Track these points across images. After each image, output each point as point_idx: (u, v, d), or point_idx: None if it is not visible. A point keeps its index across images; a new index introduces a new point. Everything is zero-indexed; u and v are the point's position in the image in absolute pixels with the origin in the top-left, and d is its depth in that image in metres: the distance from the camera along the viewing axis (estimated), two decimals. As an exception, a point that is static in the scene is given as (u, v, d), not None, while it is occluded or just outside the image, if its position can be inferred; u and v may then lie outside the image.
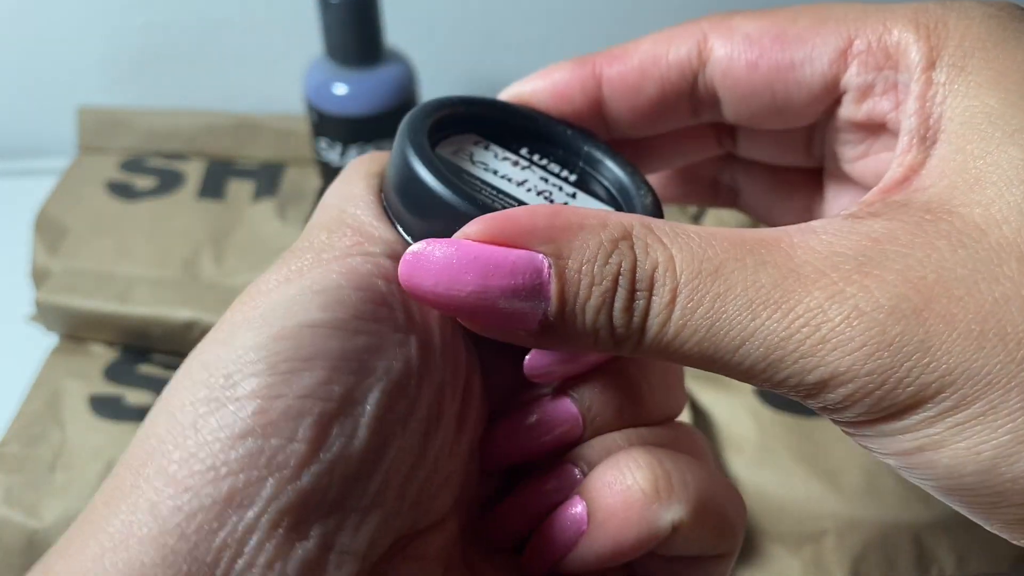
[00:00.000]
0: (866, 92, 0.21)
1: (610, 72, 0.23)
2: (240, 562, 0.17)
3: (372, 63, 0.53)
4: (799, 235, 0.18)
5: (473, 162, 0.23)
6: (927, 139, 0.19)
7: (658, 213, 0.23)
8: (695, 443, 0.23)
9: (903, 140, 0.20)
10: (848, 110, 0.22)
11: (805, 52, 0.21)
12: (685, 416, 0.46)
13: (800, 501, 0.44)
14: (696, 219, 0.60)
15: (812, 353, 0.16)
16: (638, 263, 0.18)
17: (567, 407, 0.22)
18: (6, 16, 0.67)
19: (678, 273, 0.17)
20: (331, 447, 0.18)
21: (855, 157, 0.24)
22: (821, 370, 0.16)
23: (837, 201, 0.26)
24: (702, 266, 0.17)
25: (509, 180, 0.23)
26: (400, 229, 0.21)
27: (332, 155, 0.55)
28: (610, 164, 0.24)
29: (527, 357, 0.22)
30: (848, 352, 0.16)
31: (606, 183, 0.24)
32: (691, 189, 0.29)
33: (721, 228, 0.18)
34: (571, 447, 0.22)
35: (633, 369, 0.22)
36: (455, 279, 0.18)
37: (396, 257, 0.20)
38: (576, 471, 0.21)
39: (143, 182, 0.61)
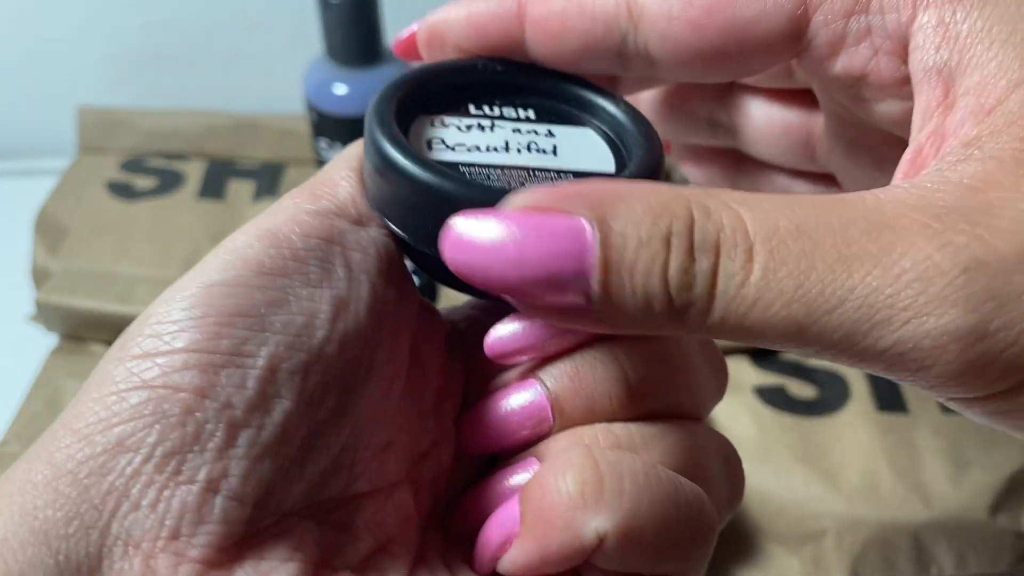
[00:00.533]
0: (836, 45, 0.19)
1: (533, 13, 0.21)
2: (126, 503, 0.17)
3: (372, 63, 0.53)
4: (884, 193, 0.16)
5: (433, 147, 0.21)
6: (957, 61, 0.17)
7: (657, 149, 0.21)
8: (684, 450, 0.20)
9: (926, 75, 0.18)
10: (821, 67, 0.20)
11: (758, 7, 0.19)
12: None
13: (800, 501, 0.44)
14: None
15: (927, 311, 0.14)
16: (696, 223, 0.16)
17: (536, 402, 0.20)
18: (6, 16, 0.67)
19: (751, 233, 0.15)
20: (217, 396, 0.18)
21: (855, 106, 0.22)
22: (940, 330, 0.14)
23: (842, 132, 0.23)
24: (779, 223, 0.15)
25: (484, 149, 0.21)
26: (390, 224, 0.21)
27: (332, 155, 0.55)
28: (595, 99, 0.23)
29: (487, 336, 0.20)
30: (973, 308, 0.14)
31: (600, 123, 0.23)
32: (689, 127, 0.28)
33: (788, 195, 0.16)
34: (541, 439, 0.21)
35: (619, 352, 0.20)
36: (496, 247, 0.17)
37: (345, 215, 0.20)
38: (537, 466, 0.20)
39: (143, 182, 0.61)
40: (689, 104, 0.28)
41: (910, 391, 0.48)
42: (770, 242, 0.15)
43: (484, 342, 0.20)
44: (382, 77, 0.53)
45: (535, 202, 0.17)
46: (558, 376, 0.20)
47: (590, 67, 0.22)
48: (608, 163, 0.22)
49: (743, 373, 0.49)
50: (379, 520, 0.21)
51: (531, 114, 0.23)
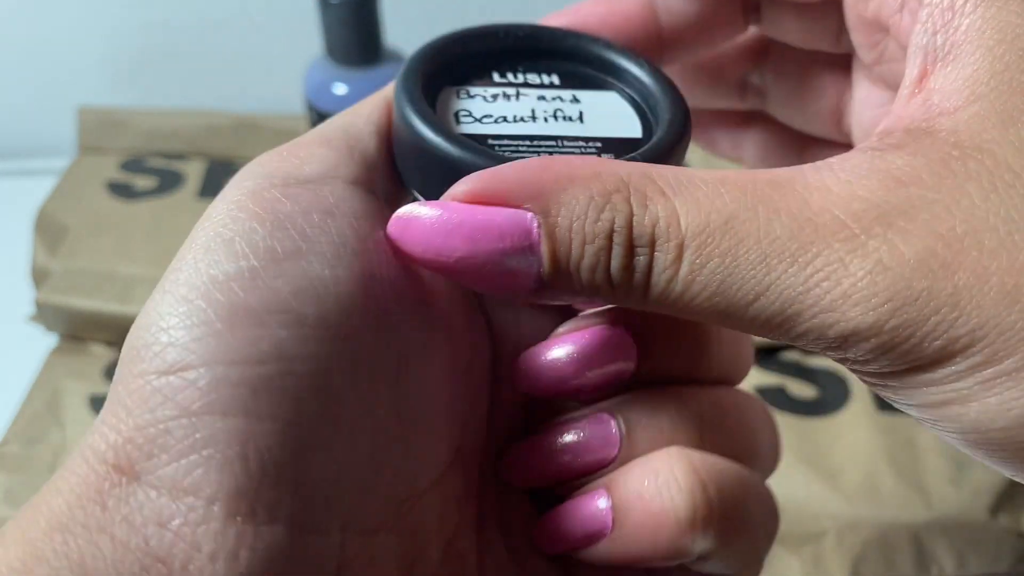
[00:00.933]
0: None
1: None
2: (199, 556, 0.15)
3: (372, 63, 0.53)
4: (815, 175, 0.16)
5: (461, 120, 0.21)
6: (946, 51, 0.17)
7: (684, 113, 0.21)
8: (748, 433, 0.21)
9: (916, 52, 0.18)
10: (856, 4, 0.20)
11: None
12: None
13: (800, 501, 0.44)
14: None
15: (832, 308, 0.15)
16: (635, 218, 0.16)
17: (606, 432, 0.20)
18: (6, 16, 0.67)
19: (683, 228, 0.16)
20: (272, 417, 0.16)
21: (872, 61, 0.22)
22: (842, 325, 0.15)
23: (867, 104, 0.24)
24: (710, 218, 0.16)
25: (512, 119, 0.21)
26: (414, 191, 0.20)
27: (332, 155, 0.55)
28: (620, 61, 0.23)
29: (518, 365, 0.21)
30: (871, 308, 0.15)
31: (626, 86, 0.23)
32: (718, 91, 0.27)
33: (730, 171, 0.17)
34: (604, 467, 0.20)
35: (692, 398, 0.21)
36: (444, 243, 0.17)
37: (359, 183, 0.19)
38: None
39: (143, 182, 0.61)
40: (720, 65, 0.27)
41: (910, 391, 0.48)
42: (699, 237, 0.16)
43: (514, 371, 0.21)
44: (382, 77, 0.53)
45: (484, 189, 0.17)
46: (633, 410, 0.20)
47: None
48: (635, 129, 0.22)
49: (743, 373, 0.49)
50: (441, 513, 0.19)
51: (555, 79, 0.22)
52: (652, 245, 0.16)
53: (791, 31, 0.24)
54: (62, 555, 0.15)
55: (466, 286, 0.19)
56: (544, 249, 0.17)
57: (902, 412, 0.55)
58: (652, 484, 0.19)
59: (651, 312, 0.18)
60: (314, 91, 0.54)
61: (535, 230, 0.17)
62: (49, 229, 0.56)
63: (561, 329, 0.21)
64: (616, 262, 0.17)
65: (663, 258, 0.16)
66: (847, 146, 0.27)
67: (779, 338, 0.16)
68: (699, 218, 0.16)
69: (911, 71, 0.18)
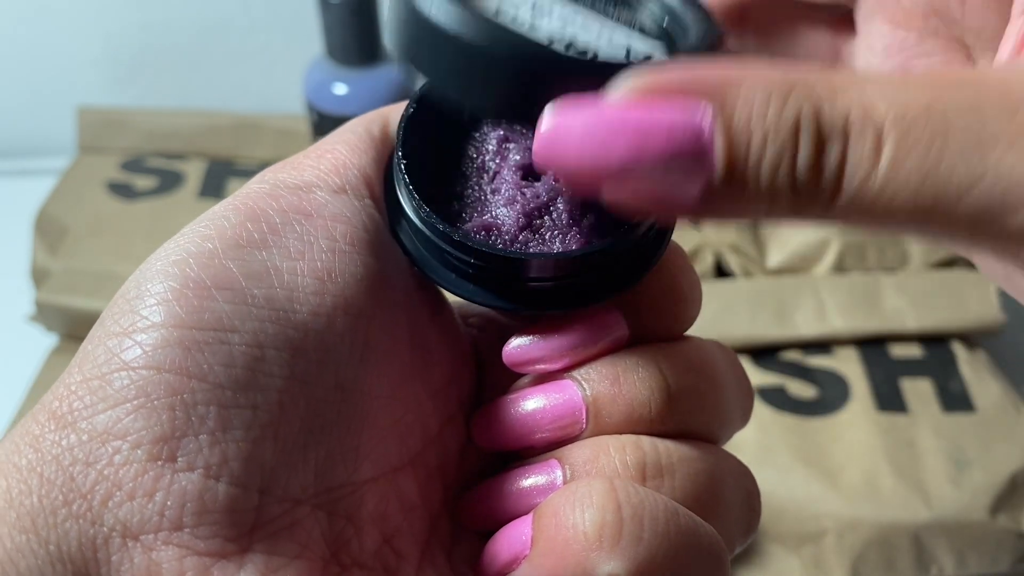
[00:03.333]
0: None
1: None
2: (119, 493, 0.16)
3: (372, 63, 0.53)
4: (1006, 71, 0.15)
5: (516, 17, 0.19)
6: None
7: (718, 40, 0.19)
8: (708, 476, 0.20)
9: None
10: None
11: None
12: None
13: (800, 501, 0.44)
14: (696, 219, 0.60)
15: None
16: (824, 107, 0.15)
17: (572, 403, 0.20)
18: (6, 17, 0.67)
19: (881, 114, 0.14)
20: (204, 376, 0.17)
21: None
22: None
23: (874, 50, 0.22)
24: (909, 104, 0.14)
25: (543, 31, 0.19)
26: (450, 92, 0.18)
27: (332, 155, 0.55)
28: None
29: (507, 345, 0.20)
30: None
31: (649, 14, 0.21)
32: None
33: (912, 73, 0.15)
34: (565, 443, 0.20)
35: (660, 358, 0.20)
36: (602, 148, 0.15)
37: (326, 185, 0.20)
38: (559, 472, 0.20)
39: (143, 182, 0.61)
40: None
41: (910, 391, 0.48)
42: (901, 123, 0.14)
43: (503, 350, 0.20)
44: (382, 77, 0.53)
45: (649, 86, 0.15)
46: (598, 379, 0.20)
47: None
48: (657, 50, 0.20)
49: (743, 373, 0.49)
50: (383, 510, 0.20)
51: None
52: (846, 136, 0.14)
53: None
54: None
55: (626, 202, 0.16)
56: (719, 146, 0.15)
57: (902, 412, 0.55)
58: (567, 503, 0.18)
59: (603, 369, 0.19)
60: (314, 91, 0.54)
61: (708, 126, 0.15)
62: (49, 229, 0.56)
63: (519, 384, 0.21)
64: (804, 159, 0.15)
65: (860, 150, 0.14)
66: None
67: (983, 239, 0.15)
68: (898, 102, 0.14)
69: None
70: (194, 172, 0.61)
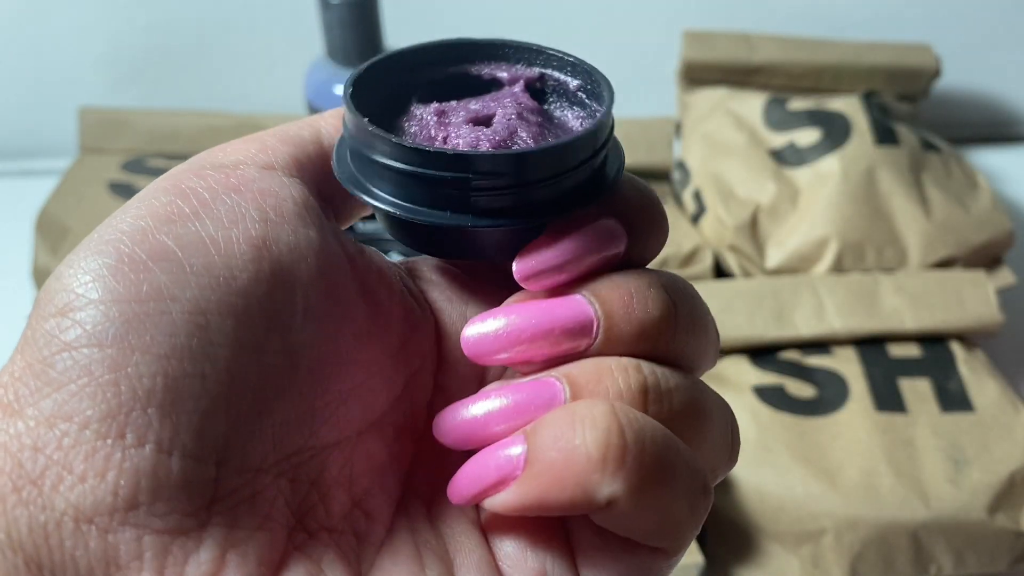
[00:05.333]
0: None
1: None
2: (69, 476, 0.16)
3: (372, 64, 0.53)
4: None
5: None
6: None
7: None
8: (701, 405, 0.20)
9: None
10: None
11: None
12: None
13: (799, 500, 0.44)
14: (695, 219, 0.60)
15: None
16: None
17: (581, 310, 0.19)
18: (7, 17, 0.68)
19: None
20: (146, 348, 0.17)
21: None
22: None
23: None
24: None
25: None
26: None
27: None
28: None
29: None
30: None
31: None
32: None
33: None
34: (569, 360, 0.20)
35: (664, 280, 0.20)
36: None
37: (254, 162, 0.20)
38: (560, 388, 0.19)
39: (144, 182, 0.61)
40: None
41: (909, 391, 0.49)
42: None
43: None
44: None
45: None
46: (608, 294, 0.20)
47: None
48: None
49: (742, 373, 0.50)
50: (349, 473, 0.20)
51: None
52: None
53: None
54: None
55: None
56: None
57: (901, 411, 0.55)
58: (567, 423, 0.18)
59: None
60: (314, 91, 0.54)
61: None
62: (50, 229, 0.56)
63: (488, 388, 0.21)
64: None
65: None
66: None
67: None
68: None
69: None
70: (195, 172, 0.61)
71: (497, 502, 0.19)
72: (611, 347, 0.20)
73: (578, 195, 0.20)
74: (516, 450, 0.18)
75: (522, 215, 0.20)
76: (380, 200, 0.20)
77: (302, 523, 0.19)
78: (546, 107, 0.23)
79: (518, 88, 0.23)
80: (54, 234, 0.56)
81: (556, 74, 0.23)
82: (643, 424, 0.18)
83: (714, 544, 0.45)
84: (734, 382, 0.49)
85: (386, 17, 0.54)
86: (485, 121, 0.21)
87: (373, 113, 0.21)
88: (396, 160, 0.19)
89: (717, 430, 0.21)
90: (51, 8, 0.67)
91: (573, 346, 0.20)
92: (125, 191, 0.60)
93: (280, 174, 0.20)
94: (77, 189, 0.60)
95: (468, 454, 0.20)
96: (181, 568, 0.17)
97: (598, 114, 0.21)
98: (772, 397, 0.48)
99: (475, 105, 0.22)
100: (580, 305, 0.20)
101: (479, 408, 0.19)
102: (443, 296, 0.23)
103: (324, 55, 0.54)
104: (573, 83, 0.23)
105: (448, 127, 0.21)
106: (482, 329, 0.20)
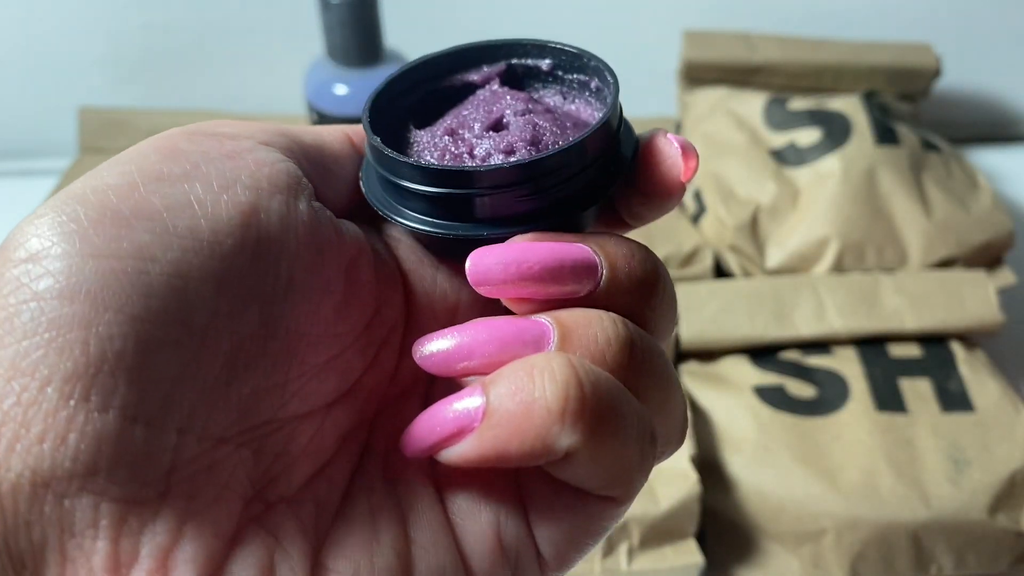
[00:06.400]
0: None
1: None
2: (26, 436, 0.15)
3: (372, 64, 0.53)
4: None
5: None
6: None
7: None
8: (659, 362, 0.21)
9: None
10: None
11: None
12: (684, 416, 0.46)
13: (799, 500, 0.44)
14: (695, 219, 0.60)
15: None
16: None
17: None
18: (7, 17, 0.68)
19: None
20: (120, 308, 0.16)
21: None
22: None
23: None
24: None
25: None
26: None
27: (332, 155, 0.56)
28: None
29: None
30: None
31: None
32: None
33: None
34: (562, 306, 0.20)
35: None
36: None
37: (249, 136, 0.20)
38: (550, 329, 0.19)
39: (144, 182, 0.61)
40: None
41: (909, 391, 0.49)
42: None
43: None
44: (382, 78, 0.53)
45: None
46: (611, 249, 0.20)
47: None
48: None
49: (743, 373, 0.50)
50: (317, 443, 0.20)
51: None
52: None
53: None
54: None
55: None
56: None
57: (901, 411, 0.55)
58: (526, 376, 0.18)
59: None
60: (314, 91, 0.54)
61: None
62: (50, 229, 0.56)
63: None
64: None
65: None
66: None
67: None
68: None
69: None
70: (195, 172, 0.61)
71: (454, 454, 0.19)
72: (607, 298, 0.20)
73: (600, 182, 0.21)
74: (475, 401, 0.18)
75: (557, 211, 0.20)
76: (416, 222, 0.21)
77: (261, 494, 0.18)
78: (531, 92, 0.24)
79: (495, 86, 0.23)
80: (54, 234, 0.56)
81: (523, 61, 0.24)
82: (599, 376, 0.18)
83: (714, 544, 0.45)
84: (734, 382, 0.49)
85: (386, 17, 0.54)
86: (498, 126, 0.22)
87: (385, 139, 0.21)
88: (437, 186, 0.20)
89: (677, 399, 0.21)
90: (51, 8, 0.67)
91: (576, 288, 0.20)
92: (125, 191, 0.60)
93: (276, 151, 0.20)
94: (77, 189, 0.60)
95: (424, 408, 0.20)
96: (136, 539, 0.16)
97: (595, 91, 0.22)
98: (772, 397, 0.48)
99: (472, 111, 0.22)
100: (587, 251, 0.20)
101: (465, 336, 0.19)
102: (414, 256, 0.22)
103: (324, 55, 0.54)
104: (545, 64, 0.23)
105: (468, 142, 0.22)
106: (490, 258, 0.19)
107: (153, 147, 0.19)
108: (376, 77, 0.53)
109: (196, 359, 0.17)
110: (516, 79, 0.24)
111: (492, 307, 0.21)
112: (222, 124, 0.20)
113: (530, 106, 0.22)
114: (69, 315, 0.16)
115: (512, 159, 0.21)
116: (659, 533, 0.43)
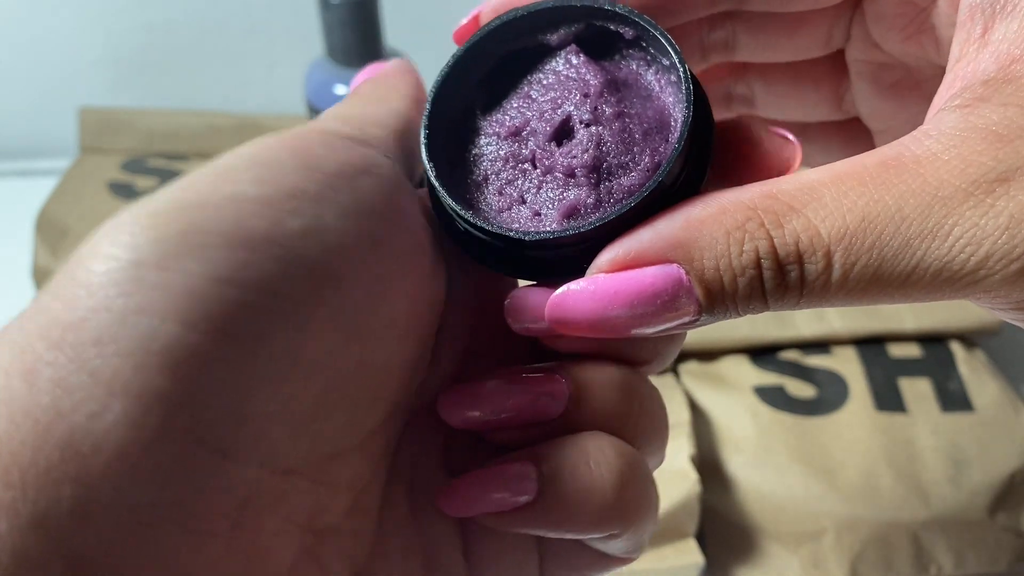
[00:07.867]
0: None
1: None
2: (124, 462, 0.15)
3: (372, 63, 0.53)
4: (918, 146, 0.18)
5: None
6: (1002, 5, 0.19)
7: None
8: (655, 421, 0.22)
9: (972, 10, 0.19)
10: None
11: None
12: (684, 415, 0.46)
13: (799, 500, 0.44)
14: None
15: (979, 268, 0.17)
16: (776, 241, 0.18)
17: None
18: (7, 17, 0.68)
19: (825, 236, 0.17)
20: (236, 335, 0.16)
21: (903, 37, 0.23)
22: (995, 280, 0.17)
23: (866, 82, 0.25)
24: (846, 221, 0.17)
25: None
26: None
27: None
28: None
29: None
30: (1016, 258, 0.16)
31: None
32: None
33: (838, 164, 0.18)
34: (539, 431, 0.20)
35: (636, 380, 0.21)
36: (606, 314, 0.19)
37: (380, 145, 0.20)
38: (563, 383, 0.20)
39: (144, 182, 0.61)
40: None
41: (909, 391, 0.49)
42: (842, 242, 0.17)
43: (550, 300, 0.20)
44: (382, 77, 0.53)
45: (620, 259, 0.19)
46: (583, 375, 0.20)
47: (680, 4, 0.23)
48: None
49: (743, 373, 0.50)
50: (357, 470, 0.19)
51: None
52: (800, 260, 0.18)
53: (778, 53, 0.25)
54: None
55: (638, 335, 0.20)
56: (698, 291, 0.18)
57: (901, 411, 0.55)
58: (584, 459, 0.19)
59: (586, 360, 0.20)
60: (314, 91, 0.54)
61: (684, 279, 0.18)
62: (50, 229, 0.56)
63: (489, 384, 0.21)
64: (769, 284, 0.18)
65: (813, 268, 0.18)
66: (848, 123, 0.27)
67: (928, 300, 0.18)
68: (836, 223, 0.17)
69: (970, 30, 0.19)
70: (195, 172, 0.61)
71: (507, 524, 0.19)
72: (582, 420, 0.20)
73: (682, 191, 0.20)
74: (529, 470, 0.19)
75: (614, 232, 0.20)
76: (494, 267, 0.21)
77: (311, 524, 0.18)
78: (608, 62, 0.22)
79: (572, 56, 0.22)
80: (54, 234, 0.56)
81: (605, 24, 0.22)
82: (634, 457, 0.20)
83: (714, 544, 0.45)
84: (734, 382, 0.49)
85: (386, 17, 0.54)
86: (564, 133, 0.21)
87: (445, 132, 0.21)
88: (492, 239, 0.20)
89: (666, 428, 0.22)
90: (51, 8, 0.67)
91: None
92: (125, 191, 0.60)
93: (396, 164, 0.20)
94: (77, 189, 0.60)
95: (445, 432, 0.21)
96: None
97: (670, 67, 0.21)
98: (772, 397, 0.48)
99: (540, 100, 0.22)
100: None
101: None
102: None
103: (324, 55, 0.54)
104: (628, 32, 0.22)
105: (531, 152, 0.21)
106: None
107: (288, 149, 0.18)
108: (376, 77, 0.53)
109: (295, 396, 0.17)
110: (597, 40, 0.22)
111: (503, 332, 0.21)
112: (345, 121, 0.20)
113: (600, 106, 0.21)
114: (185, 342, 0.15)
115: (565, 226, 0.20)
116: (659, 533, 0.43)
